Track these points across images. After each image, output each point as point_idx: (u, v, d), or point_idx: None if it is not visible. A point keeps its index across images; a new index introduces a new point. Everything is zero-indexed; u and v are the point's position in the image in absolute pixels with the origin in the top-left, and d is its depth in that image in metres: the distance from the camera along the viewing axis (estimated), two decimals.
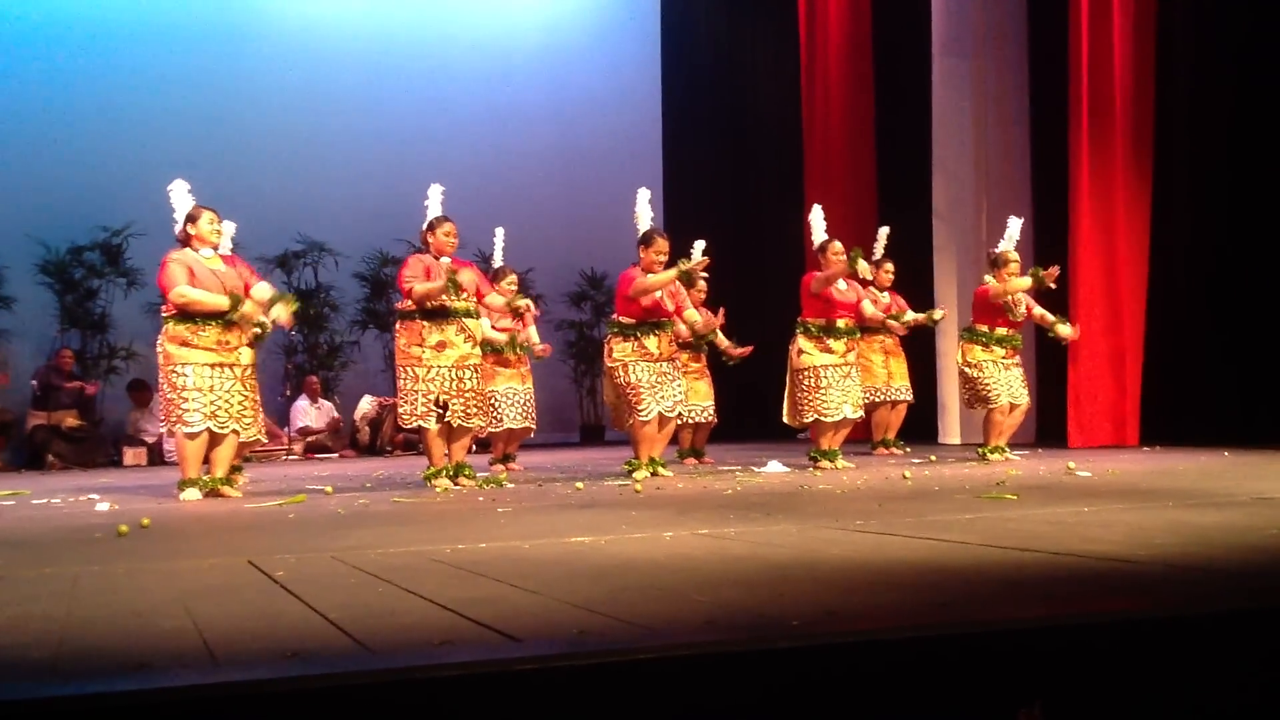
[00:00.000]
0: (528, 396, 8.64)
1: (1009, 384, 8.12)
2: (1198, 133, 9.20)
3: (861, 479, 6.46)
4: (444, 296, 6.67)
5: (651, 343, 7.35)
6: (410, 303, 6.74)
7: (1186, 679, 2.02)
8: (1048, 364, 10.06)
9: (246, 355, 6.52)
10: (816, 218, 8.00)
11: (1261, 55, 8.68)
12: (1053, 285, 7.96)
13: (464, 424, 6.75)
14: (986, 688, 1.92)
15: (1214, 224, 9.04)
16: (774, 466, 7.53)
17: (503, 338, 8.33)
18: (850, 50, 12.60)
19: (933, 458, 8.27)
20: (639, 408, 7.29)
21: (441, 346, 6.70)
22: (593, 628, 2.15)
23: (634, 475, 7.01)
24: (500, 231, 8.99)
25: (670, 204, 14.74)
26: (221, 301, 6.38)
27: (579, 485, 6.50)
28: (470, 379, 6.76)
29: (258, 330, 6.71)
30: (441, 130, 14.23)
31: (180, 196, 6.70)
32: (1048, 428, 10.06)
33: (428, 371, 6.68)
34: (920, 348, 10.46)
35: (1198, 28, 9.27)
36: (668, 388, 7.35)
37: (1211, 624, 2.11)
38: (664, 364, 7.39)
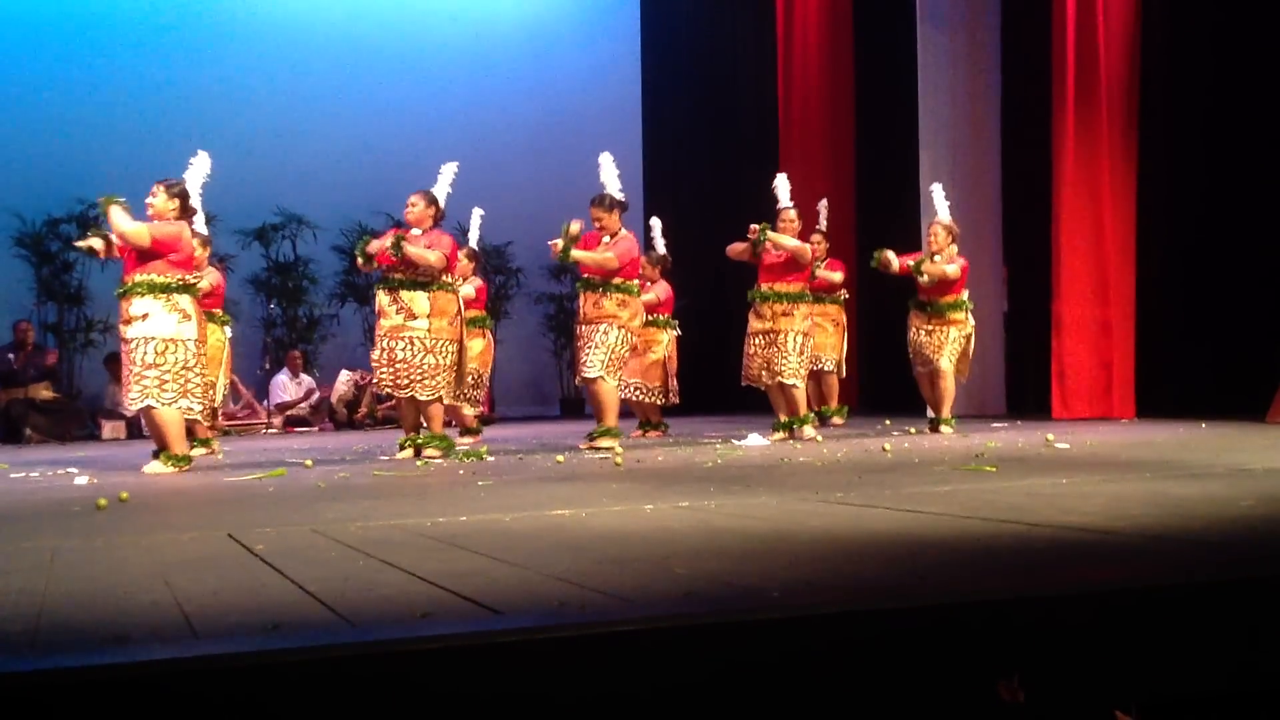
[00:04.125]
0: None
1: None
2: (1183, 101, 9.15)
3: (841, 451, 6.48)
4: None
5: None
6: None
7: (1163, 649, 2.04)
8: (1023, 336, 10.09)
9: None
10: (782, 184, 8.04)
11: (1245, 20, 8.66)
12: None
13: (394, 394, 6.97)
14: (965, 659, 1.93)
15: (1199, 195, 9.01)
16: (754, 439, 7.55)
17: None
18: (829, 24, 12.54)
19: (911, 430, 8.30)
20: (616, 372, 7.50)
21: (383, 314, 6.94)
22: (573, 600, 2.15)
23: (615, 448, 7.05)
24: (478, 213, 9.03)
25: (649, 179, 14.74)
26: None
27: (559, 458, 6.50)
28: (403, 351, 6.83)
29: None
30: (420, 104, 14.16)
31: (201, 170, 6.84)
32: (1025, 400, 10.09)
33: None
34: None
35: None
36: None
37: (1188, 594, 2.12)
38: None
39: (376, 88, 14.16)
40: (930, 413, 8.41)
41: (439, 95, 14.33)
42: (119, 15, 13.23)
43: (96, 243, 6.48)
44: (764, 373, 7.91)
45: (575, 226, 7.44)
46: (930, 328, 8.33)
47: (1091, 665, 1.98)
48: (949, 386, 8.30)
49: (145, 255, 6.31)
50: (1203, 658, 2.06)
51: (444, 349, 6.89)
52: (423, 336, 6.83)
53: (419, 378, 6.83)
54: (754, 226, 7.85)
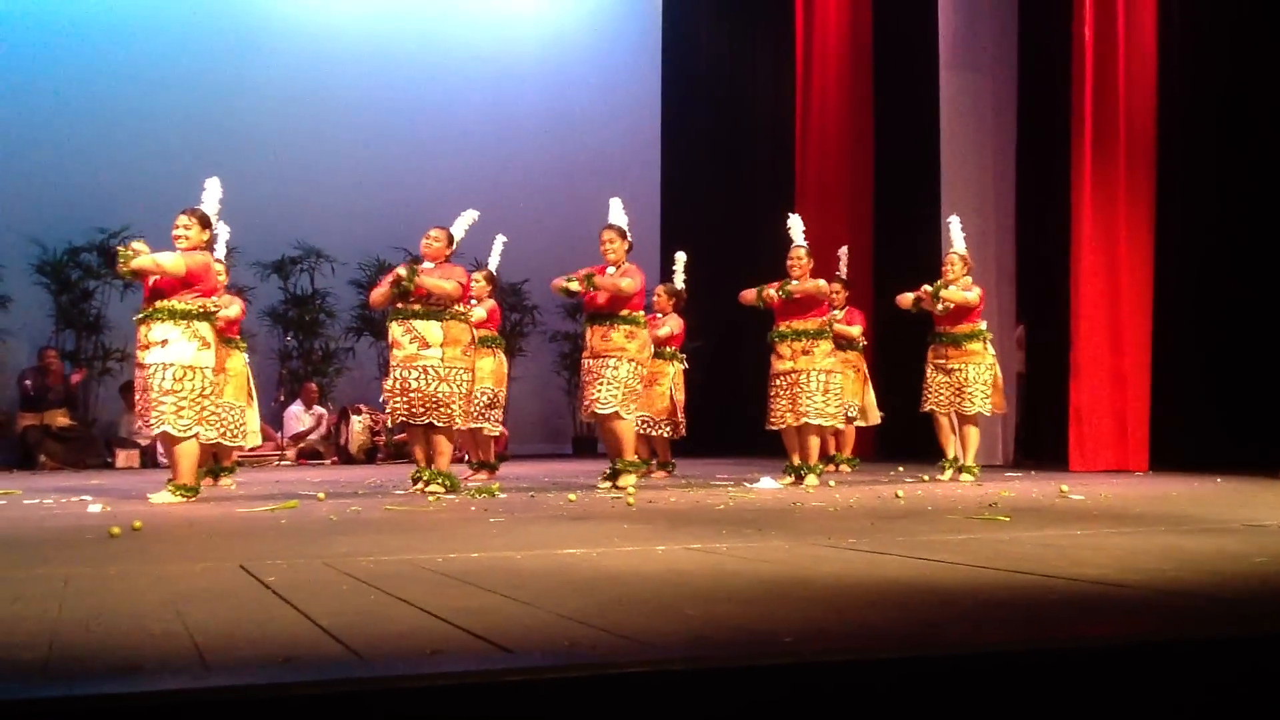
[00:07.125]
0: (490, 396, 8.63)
1: None
2: (1201, 149, 9.16)
3: (854, 497, 6.46)
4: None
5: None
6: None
7: (1176, 705, 2.02)
8: (1038, 386, 10.04)
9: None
10: (795, 224, 8.03)
11: (1265, 70, 8.68)
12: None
13: (411, 423, 6.99)
14: (976, 710, 1.92)
15: (1216, 246, 8.99)
16: (766, 483, 7.52)
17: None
18: (849, 67, 12.60)
19: (924, 477, 8.27)
20: (631, 405, 7.40)
21: (396, 345, 7.01)
22: (584, 640, 2.15)
23: (629, 488, 7.05)
24: (500, 239, 9.10)
25: (667, 221, 14.79)
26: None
27: (572, 497, 6.49)
28: (417, 380, 6.88)
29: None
30: (439, 139, 14.27)
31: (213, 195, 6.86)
32: (1040, 450, 10.05)
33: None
34: None
35: (1197, 35, 9.27)
36: None
37: (1201, 650, 2.11)
38: None
39: (397, 124, 14.27)
40: (948, 452, 8.31)
41: (458, 133, 14.44)
42: (141, 45, 13.35)
43: (140, 249, 6.43)
44: (789, 414, 7.71)
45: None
46: (951, 366, 8.17)
47: (1103, 719, 1.97)
48: (975, 434, 8.20)
49: (171, 284, 6.34)
50: (1215, 714, 2.04)
51: (457, 377, 6.95)
52: (436, 365, 6.89)
53: (433, 406, 6.88)
54: (773, 295, 7.82)
